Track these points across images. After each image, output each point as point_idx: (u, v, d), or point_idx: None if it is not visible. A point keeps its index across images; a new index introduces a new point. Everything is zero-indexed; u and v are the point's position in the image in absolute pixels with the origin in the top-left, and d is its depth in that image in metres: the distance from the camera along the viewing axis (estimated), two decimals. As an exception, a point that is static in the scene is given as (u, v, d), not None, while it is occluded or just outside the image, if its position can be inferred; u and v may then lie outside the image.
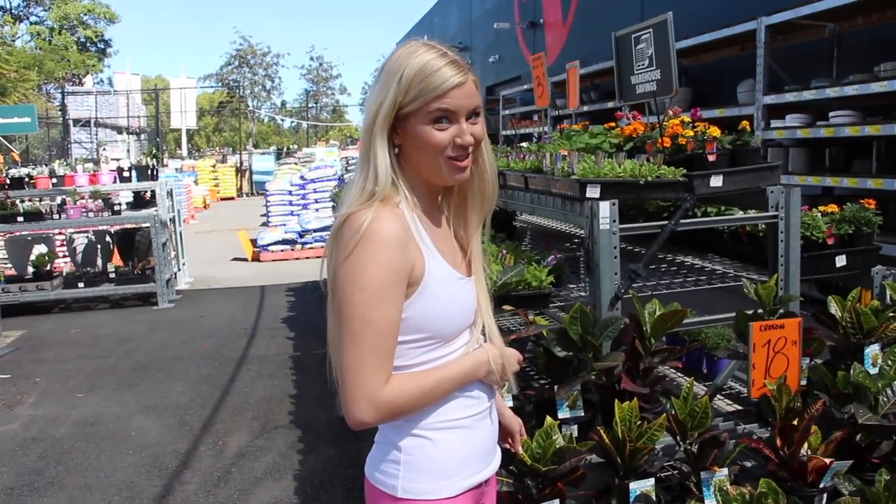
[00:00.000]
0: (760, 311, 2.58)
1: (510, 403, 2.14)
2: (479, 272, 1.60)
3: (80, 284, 8.93)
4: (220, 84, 46.53)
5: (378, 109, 1.43)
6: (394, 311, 1.39)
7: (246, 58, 45.61)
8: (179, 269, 10.31)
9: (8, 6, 33.82)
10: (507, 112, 11.84)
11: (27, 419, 5.28)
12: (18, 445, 4.80)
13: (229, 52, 47.02)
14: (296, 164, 18.89)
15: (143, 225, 9.23)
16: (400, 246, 1.39)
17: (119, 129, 29.16)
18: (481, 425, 1.57)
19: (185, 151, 34.71)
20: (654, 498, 2.10)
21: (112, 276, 9.17)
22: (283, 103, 50.63)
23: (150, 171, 9.52)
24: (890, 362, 2.36)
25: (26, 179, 8.98)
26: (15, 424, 5.19)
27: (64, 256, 9.80)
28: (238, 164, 30.12)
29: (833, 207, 3.53)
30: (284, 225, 13.18)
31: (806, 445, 2.24)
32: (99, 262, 9.52)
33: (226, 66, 46.17)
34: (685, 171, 2.76)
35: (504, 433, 1.84)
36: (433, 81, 1.40)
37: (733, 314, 2.65)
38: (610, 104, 8.21)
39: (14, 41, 29.06)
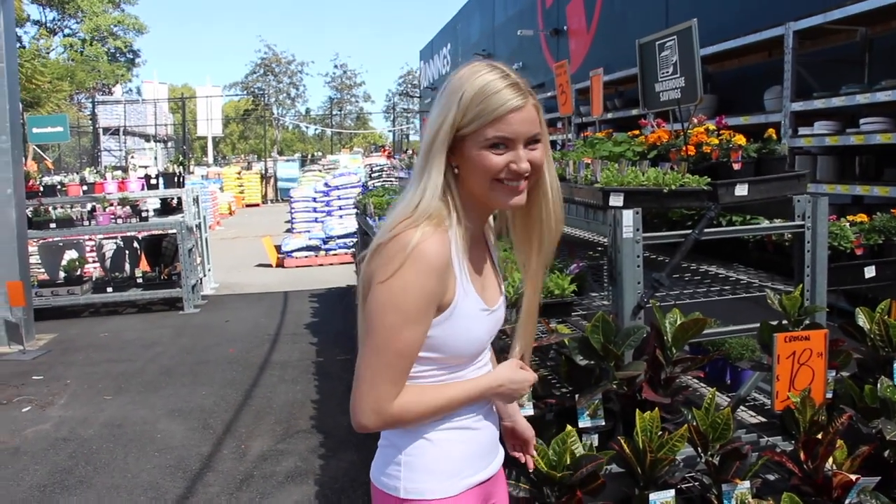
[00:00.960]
0: (785, 322, 2.55)
1: (530, 412, 2.14)
2: (530, 298, 1.64)
3: (109, 289, 9.06)
4: (245, 92, 47.04)
5: (438, 129, 1.42)
6: (420, 335, 1.42)
7: (271, 66, 46.07)
8: (205, 275, 10.42)
9: (43, 20, 34.46)
10: (531, 119, 11.81)
11: (58, 420, 5.36)
12: (50, 445, 4.88)
13: (254, 61, 47.71)
14: (320, 171, 19.01)
15: (170, 231, 9.34)
16: (441, 273, 1.40)
17: (147, 137, 29.59)
18: (482, 425, 1.59)
19: (210, 159, 35.10)
20: (675, 509, 2.08)
21: (139, 281, 9.30)
22: (308, 111, 51.07)
23: (176, 179, 9.64)
24: (918, 375, 2.32)
25: (58, 187, 9.14)
26: (47, 425, 5.27)
27: (93, 262, 9.96)
28: (263, 172, 30.39)
29: (862, 217, 3.48)
30: (308, 231, 13.27)
31: (831, 460, 2.20)
32: (127, 267, 9.66)
33: (251, 75, 46.71)
34: (709, 179, 2.74)
35: (517, 443, 1.85)
36: (492, 104, 1.39)
37: (757, 325, 2.62)
38: (634, 111, 8.18)
39: (48, 54, 29.57)
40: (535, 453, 1.89)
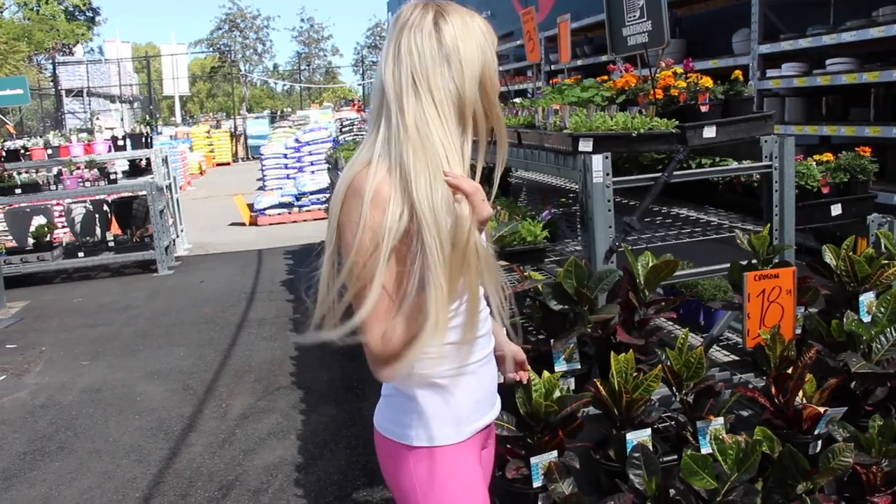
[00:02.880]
0: (755, 261, 2.59)
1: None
2: None
3: (80, 254, 8.94)
4: (211, 49, 46.07)
5: (482, 69, 1.48)
6: (387, 268, 1.37)
7: (236, 21, 45.09)
8: (178, 236, 10.32)
9: (-7, -24, 33.32)
10: (501, 68, 11.72)
11: (35, 387, 5.33)
12: (28, 413, 4.86)
13: (219, 17, 46.58)
14: (290, 127, 18.74)
15: (140, 193, 9.21)
16: (391, 204, 1.38)
17: (112, 98, 28.93)
18: (484, 370, 1.61)
19: (178, 118, 34.48)
20: (650, 448, 2.13)
21: (111, 244, 9.17)
22: (276, 66, 50.20)
23: (144, 139, 9.47)
24: (883, 310, 2.37)
25: (22, 151, 8.94)
26: (24, 392, 5.24)
27: (63, 227, 9.80)
28: (232, 130, 29.92)
29: (828, 156, 3.52)
30: (281, 188, 13.14)
31: (801, 394, 2.27)
32: (98, 231, 9.52)
33: (216, 31, 45.67)
34: (678, 122, 2.75)
35: (511, 365, 1.86)
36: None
37: (728, 265, 2.66)
38: (603, 58, 8.12)
39: (1, 13, 28.69)
40: (528, 369, 1.95)
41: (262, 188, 14.60)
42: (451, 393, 1.53)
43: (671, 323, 3.30)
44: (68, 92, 26.42)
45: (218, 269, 9.05)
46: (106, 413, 4.77)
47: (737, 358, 2.89)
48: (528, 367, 1.94)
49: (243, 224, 12.61)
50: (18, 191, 8.50)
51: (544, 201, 3.23)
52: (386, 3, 24.04)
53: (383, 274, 1.36)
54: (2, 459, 4.20)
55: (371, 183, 1.38)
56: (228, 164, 27.48)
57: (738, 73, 3.00)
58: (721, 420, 2.18)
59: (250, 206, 12.85)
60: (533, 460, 1.98)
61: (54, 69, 27.34)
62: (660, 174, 2.69)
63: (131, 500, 3.67)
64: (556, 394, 2.08)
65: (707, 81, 2.90)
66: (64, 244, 9.22)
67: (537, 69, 9.26)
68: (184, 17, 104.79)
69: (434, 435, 1.52)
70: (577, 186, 4.25)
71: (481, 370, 1.60)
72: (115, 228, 9.71)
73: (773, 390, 2.25)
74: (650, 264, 2.31)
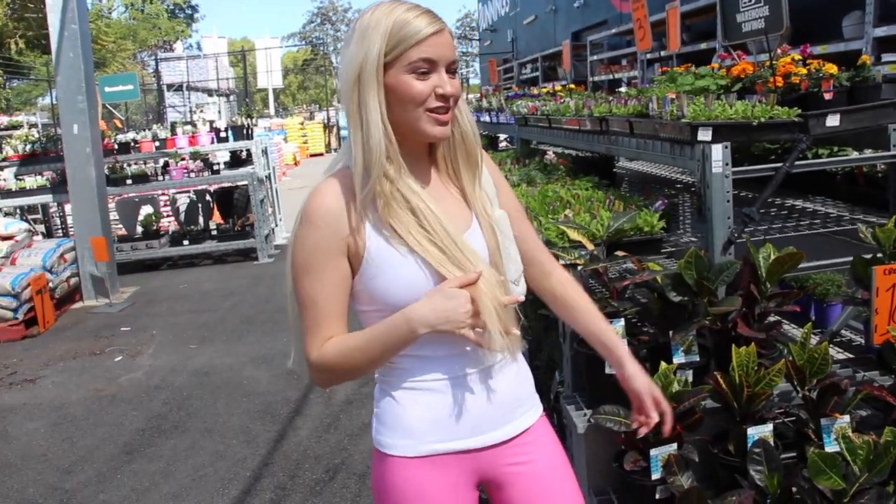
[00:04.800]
0: (880, 255, 2.49)
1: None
2: (485, 221, 1.54)
3: (185, 242, 9.33)
4: (303, 42, 47.15)
5: (363, 61, 1.40)
6: (317, 286, 1.45)
7: (328, 15, 45.92)
8: (276, 225, 10.63)
9: (103, -20, 34.92)
10: (594, 58, 11.57)
11: (149, 368, 5.61)
12: (144, 392, 5.12)
13: (311, 11, 47.51)
14: (382, 118, 18.97)
15: (241, 183, 9.52)
16: (325, 223, 1.43)
17: (209, 92, 29.97)
18: (457, 392, 1.51)
19: (272, 110, 35.40)
20: (771, 444, 2.08)
21: (214, 233, 9.55)
22: (367, 58, 50.76)
23: (245, 131, 9.79)
24: None
25: (132, 144, 9.37)
26: (139, 373, 5.53)
27: (168, 216, 10.24)
28: (326, 121, 30.54)
29: (956, 145, 3.34)
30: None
31: (934, 392, 2.17)
32: (201, 220, 9.91)
33: (308, 25, 46.63)
34: (799, 110, 2.67)
35: (648, 401, 1.61)
36: (413, 28, 1.38)
37: (846, 259, 2.56)
38: (703, 45, 7.92)
39: (111, 13, 30.04)
40: (654, 419, 1.61)
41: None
42: (403, 406, 1.51)
43: (783, 319, 3.20)
44: (169, 87, 27.51)
45: (315, 258, 9.26)
46: (215, 395, 4.97)
47: (852, 356, 2.78)
48: (662, 408, 1.64)
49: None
50: (129, 181, 8.93)
51: (646, 193, 3.18)
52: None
53: (314, 287, 1.45)
54: (123, 434, 4.44)
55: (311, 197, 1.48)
56: (322, 154, 28.06)
57: (865, 57, 2.88)
58: (847, 418, 2.11)
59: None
60: (652, 452, 1.96)
61: (157, 65, 28.53)
62: (780, 164, 2.61)
63: (242, 478, 3.82)
64: (674, 387, 2.05)
65: (831, 67, 2.80)
66: (170, 232, 9.63)
67: (633, 57, 9.09)
68: (277, 12, 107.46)
69: (385, 442, 1.53)
70: (683, 177, 4.18)
71: (448, 390, 1.50)
72: (216, 217, 10.08)
73: (903, 389, 2.16)
74: (772, 256, 2.25)
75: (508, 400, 1.56)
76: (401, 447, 1.51)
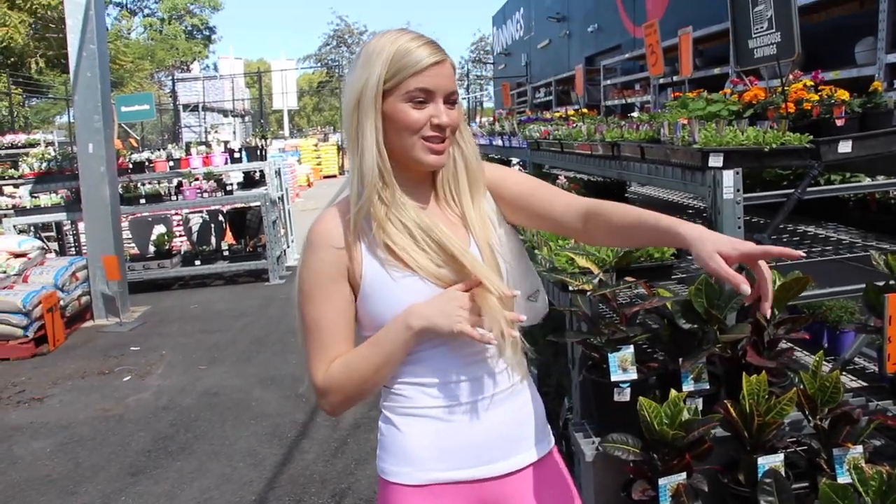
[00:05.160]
0: (892, 282, 2.46)
1: (634, 375, 2.13)
2: (484, 246, 1.51)
3: (197, 262, 9.37)
4: (318, 64, 47.49)
5: (363, 89, 1.42)
6: (322, 312, 1.47)
7: (343, 37, 46.30)
8: (288, 246, 10.66)
9: (124, 2, 35.46)
10: (608, 82, 11.61)
11: (157, 389, 5.61)
12: (152, 413, 5.12)
13: (327, 33, 48.01)
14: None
15: (254, 204, 9.57)
16: (327, 248, 1.47)
17: (225, 112, 30.22)
18: (460, 420, 1.50)
19: (286, 132, 35.67)
20: (783, 473, 2.05)
21: (226, 253, 9.59)
22: (381, 81, 51.13)
23: (259, 152, 9.85)
24: None
25: (146, 163, 9.45)
26: (147, 393, 5.52)
27: (181, 236, 10.29)
28: (339, 143, 30.71)
29: (970, 172, 3.31)
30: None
31: (948, 423, 2.13)
32: (213, 240, 9.95)
33: (324, 47, 47.03)
34: (811, 137, 2.65)
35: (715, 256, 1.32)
36: (414, 57, 1.41)
37: (859, 286, 2.53)
38: (716, 70, 7.93)
39: (130, 34, 30.48)
40: (769, 301, 1.38)
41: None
42: (403, 433, 1.50)
43: (792, 345, 3.17)
44: (185, 107, 27.78)
45: (326, 279, 9.27)
46: (223, 417, 4.96)
47: (866, 384, 2.75)
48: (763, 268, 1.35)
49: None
50: (143, 200, 8.99)
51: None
52: (491, 18, 24.21)
53: (318, 311, 1.47)
54: (129, 455, 4.43)
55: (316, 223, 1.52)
56: (335, 176, 28.20)
57: (877, 84, 2.87)
58: (860, 448, 2.08)
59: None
60: (661, 481, 1.93)
61: (174, 85, 28.84)
62: (792, 190, 2.59)
63: (248, 502, 3.80)
64: (684, 415, 2.02)
65: (843, 94, 2.79)
66: (182, 252, 9.68)
67: (647, 82, 9.11)
68: (294, 34, 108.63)
69: (387, 469, 1.53)
70: (695, 203, 4.16)
71: (451, 418, 1.49)
72: (229, 238, 10.12)
73: (917, 420, 2.13)
74: (778, 282, 2.22)
75: (514, 430, 1.55)
76: (402, 474, 1.50)
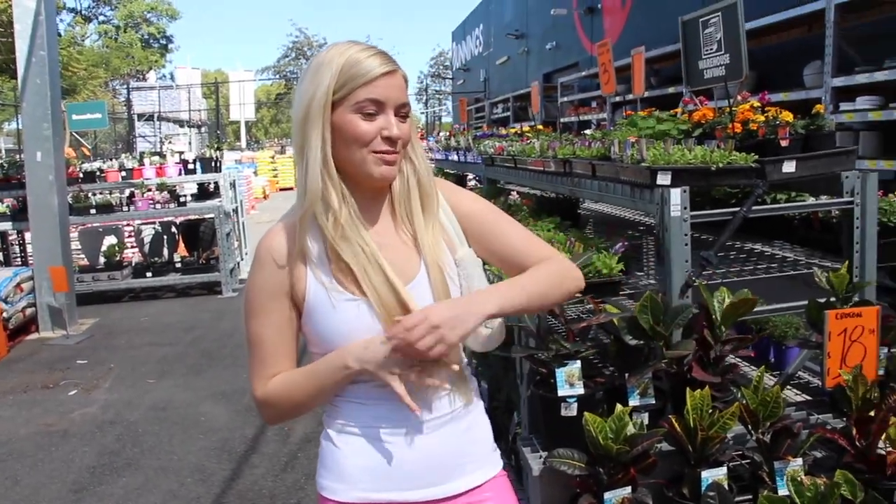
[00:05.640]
0: (833, 299, 2.52)
1: (581, 391, 2.14)
2: (435, 270, 1.48)
3: (148, 274, 9.21)
4: (277, 76, 47.26)
5: (310, 100, 1.40)
6: (263, 327, 1.47)
7: (303, 49, 46.19)
8: (242, 259, 10.53)
9: (78, 7, 34.92)
10: (564, 99, 11.75)
11: (104, 403, 5.48)
12: (97, 427, 4.99)
13: (286, 45, 47.75)
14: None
15: (207, 216, 9.44)
16: (271, 265, 1.45)
17: (181, 123, 29.85)
18: (397, 441, 1.47)
19: (243, 143, 35.35)
20: (726, 487, 2.08)
21: (178, 265, 9.43)
22: (340, 95, 51.12)
23: (213, 163, 9.73)
24: (974, 352, 2.28)
25: (97, 173, 9.26)
26: (93, 408, 5.39)
27: (132, 247, 10.11)
28: (296, 155, 30.51)
29: (909, 192, 3.42)
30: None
31: (884, 437, 2.19)
32: (165, 252, 9.79)
33: (283, 59, 46.86)
34: (757, 156, 2.71)
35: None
36: (363, 67, 1.38)
37: (803, 302, 2.59)
38: (671, 90, 8.08)
39: (84, 41, 29.97)
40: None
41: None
42: (340, 449, 1.50)
43: (741, 361, 3.22)
44: (140, 116, 27.38)
45: (280, 292, 9.18)
46: (171, 431, 4.86)
47: (810, 398, 2.81)
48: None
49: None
50: (93, 211, 8.81)
51: (610, 234, 3.20)
52: (451, 34, 24.36)
53: (259, 327, 1.48)
54: (73, 472, 4.31)
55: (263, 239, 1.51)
56: (291, 188, 27.92)
57: (819, 107, 2.95)
58: (800, 461, 2.12)
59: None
60: (606, 495, 1.95)
61: (128, 94, 28.40)
62: (738, 209, 2.65)
63: (195, 518, 3.73)
64: (629, 430, 2.04)
65: (787, 115, 2.86)
66: (133, 264, 9.50)
67: (602, 101, 9.24)
68: (252, 46, 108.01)
69: (323, 483, 1.53)
70: (647, 219, 4.21)
71: (389, 438, 1.47)
72: (181, 250, 9.97)
73: (854, 433, 2.18)
74: (727, 301, 2.27)
75: (453, 456, 1.51)
76: (338, 491, 1.49)
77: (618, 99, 8.40)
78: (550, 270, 1.54)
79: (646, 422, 2.21)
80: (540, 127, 5.86)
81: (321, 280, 1.43)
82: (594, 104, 10.62)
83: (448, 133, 7.32)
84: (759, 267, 2.94)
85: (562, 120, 11.32)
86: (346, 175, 1.44)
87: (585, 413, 1.97)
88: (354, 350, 1.40)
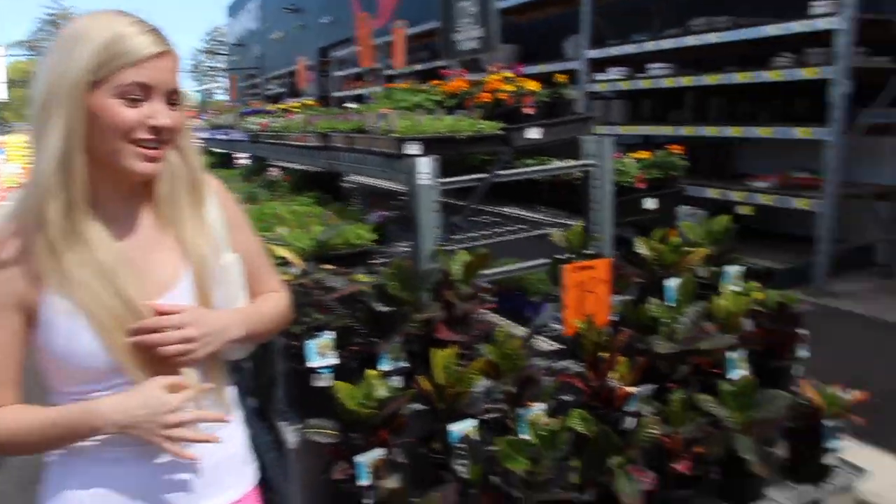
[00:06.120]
0: (571, 255, 2.73)
1: (335, 360, 2.16)
2: (199, 275, 1.35)
3: None
4: (32, 52, 43.20)
5: (59, 77, 1.19)
6: None
7: (59, 23, 42.55)
8: None
9: None
10: (338, 73, 11.73)
11: None
12: None
13: (41, 18, 43.82)
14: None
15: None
16: None
17: (-79, 104, 26.55)
18: (129, 464, 1.31)
19: (-7, 126, 32.12)
20: (477, 438, 2.19)
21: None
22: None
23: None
24: (682, 294, 2.56)
25: None
26: None
27: None
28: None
29: (645, 154, 3.76)
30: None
31: (615, 375, 2.40)
32: None
33: (37, 33, 42.94)
34: (503, 124, 2.86)
35: None
36: (131, 45, 1.20)
37: (548, 260, 2.79)
38: (439, 63, 8.32)
39: None
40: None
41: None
42: (68, 474, 1.32)
43: (500, 317, 3.41)
44: None
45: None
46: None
47: (560, 347, 3.03)
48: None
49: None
50: None
51: (374, 205, 3.26)
52: (227, 7, 23.46)
53: None
54: None
55: None
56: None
57: (560, 76, 3.16)
58: (541, 406, 2.28)
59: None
60: (357, 459, 1.99)
61: None
62: (485, 175, 2.78)
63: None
64: (379, 393, 2.09)
65: (532, 85, 3.03)
66: None
67: (375, 74, 9.33)
68: (3, 19, 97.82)
69: None
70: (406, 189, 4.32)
71: (122, 463, 1.30)
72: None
73: (589, 374, 2.38)
74: (465, 261, 2.38)
75: (194, 476, 1.37)
76: None
77: (391, 72, 8.52)
78: (283, 304, 1.57)
79: (401, 385, 2.28)
80: (310, 102, 5.81)
81: (50, 293, 1.24)
82: (371, 78, 10.71)
83: (216, 111, 7.07)
84: (509, 229, 3.12)
85: (335, 94, 11.30)
86: (100, 169, 1.25)
87: (336, 381, 2.00)
88: (107, 414, 1.22)
